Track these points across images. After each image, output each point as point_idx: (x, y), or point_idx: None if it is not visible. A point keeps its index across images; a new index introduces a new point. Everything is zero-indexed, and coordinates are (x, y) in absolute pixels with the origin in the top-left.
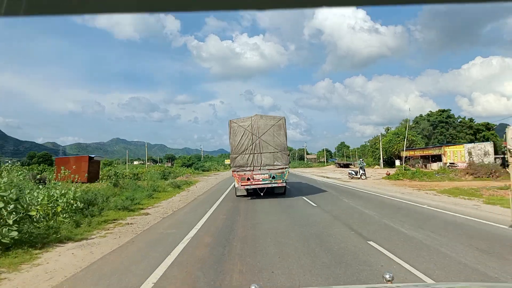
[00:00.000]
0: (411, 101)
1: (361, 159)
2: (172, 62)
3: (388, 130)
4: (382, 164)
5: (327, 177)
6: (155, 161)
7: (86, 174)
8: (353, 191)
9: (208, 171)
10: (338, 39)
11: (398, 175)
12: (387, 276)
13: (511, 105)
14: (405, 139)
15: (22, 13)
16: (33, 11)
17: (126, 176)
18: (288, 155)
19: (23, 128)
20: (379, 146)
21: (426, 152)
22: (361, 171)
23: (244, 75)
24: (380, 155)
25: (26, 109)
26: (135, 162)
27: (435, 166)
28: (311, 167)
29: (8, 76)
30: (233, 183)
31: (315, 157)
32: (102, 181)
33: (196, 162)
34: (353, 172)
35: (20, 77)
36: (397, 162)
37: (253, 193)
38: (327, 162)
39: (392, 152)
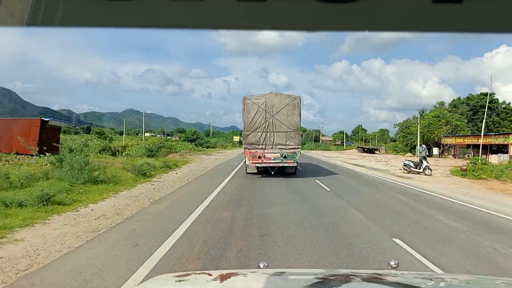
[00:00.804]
0: (429, 87)
1: (422, 146)
2: (189, 35)
3: (423, 112)
4: (417, 152)
5: (365, 167)
6: (166, 134)
7: (37, 145)
8: (460, 208)
9: (213, 147)
10: None
11: (474, 171)
12: (392, 263)
13: None
14: (447, 124)
15: (57, 24)
16: (67, 23)
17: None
18: (301, 135)
19: (39, 94)
20: (415, 130)
21: (484, 141)
22: (425, 163)
23: (260, 52)
24: (416, 141)
25: (43, 76)
26: (147, 134)
27: (495, 158)
28: (328, 150)
29: (26, 41)
30: (239, 166)
31: (331, 139)
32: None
33: (202, 137)
34: (412, 164)
35: (37, 43)
36: (435, 151)
37: (263, 171)
38: (345, 145)
39: (430, 138)
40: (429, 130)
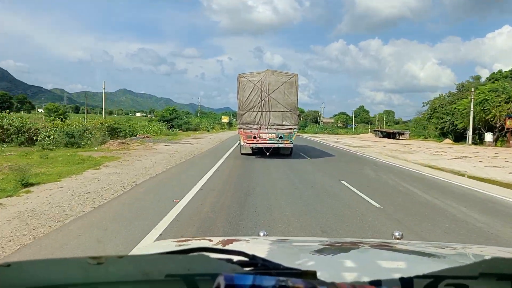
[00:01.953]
0: (427, 69)
1: None
2: (181, 13)
3: (462, 86)
4: (469, 138)
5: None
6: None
7: None
8: None
9: (194, 130)
10: None
11: None
12: (397, 234)
13: None
14: (508, 101)
15: None
16: None
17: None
18: (298, 115)
19: (33, 73)
20: (460, 108)
21: None
22: None
23: (255, 31)
24: (469, 123)
25: (36, 55)
26: (138, 114)
27: None
28: (336, 133)
29: (18, 19)
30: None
31: (332, 121)
32: None
33: (181, 117)
34: None
35: (30, 21)
36: (488, 137)
37: (258, 152)
38: (352, 127)
39: (485, 120)
40: (484, 109)
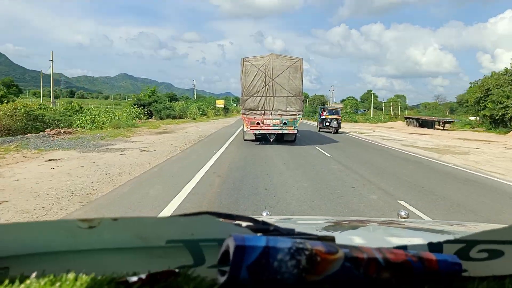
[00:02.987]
0: (429, 54)
1: None
2: None
3: None
4: None
5: None
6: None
7: None
8: None
9: (179, 118)
10: None
11: None
12: (403, 213)
13: None
14: None
15: None
16: None
17: None
18: (303, 100)
19: (31, 57)
20: None
21: None
22: None
23: (256, 15)
24: None
25: (35, 38)
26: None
27: None
28: (355, 121)
29: (17, 2)
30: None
31: (341, 106)
32: None
33: (162, 100)
34: None
35: (29, 4)
36: None
37: (262, 139)
38: (354, 113)
39: None
40: None
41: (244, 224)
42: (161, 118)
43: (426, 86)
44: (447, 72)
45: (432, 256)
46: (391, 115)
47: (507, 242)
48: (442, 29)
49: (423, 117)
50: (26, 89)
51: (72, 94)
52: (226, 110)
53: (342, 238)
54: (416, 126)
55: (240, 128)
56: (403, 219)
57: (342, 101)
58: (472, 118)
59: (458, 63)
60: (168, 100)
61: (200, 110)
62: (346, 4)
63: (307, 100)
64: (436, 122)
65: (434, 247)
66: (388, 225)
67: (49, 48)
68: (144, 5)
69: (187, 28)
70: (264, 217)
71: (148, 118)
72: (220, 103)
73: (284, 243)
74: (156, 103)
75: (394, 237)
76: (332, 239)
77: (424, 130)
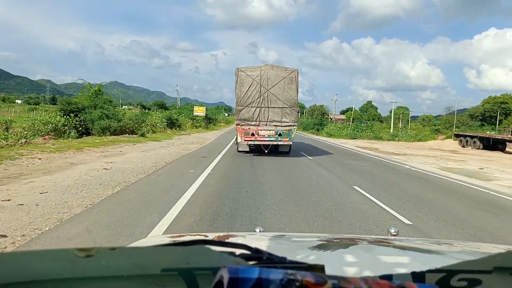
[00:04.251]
0: (418, 68)
1: None
2: (176, 6)
3: None
4: None
5: None
6: (144, 107)
7: None
8: None
9: (130, 133)
10: None
11: None
12: (392, 231)
13: None
14: None
15: None
16: None
17: None
18: (298, 111)
19: (21, 63)
20: None
21: None
22: None
23: (250, 26)
24: None
25: (24, 44)
26: (124, 107)
27: None
28: (379, 139)
29: (5, 7)
30: None
31: (343, 117)
32: None
33: (105, 107)
34: None
35: (19, 9)
36: None
37: (256, 150)
38: (360, 124)
39: None
40: None
41: (238, 251)
42: (95, 134)
43: (415, 99)
44: (435, 86)
45: (414, 286)
46: (399, 127)
47: (484, 271)
48: (430, 44)
49: (492, 135)
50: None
51: (54, 101)
52: (208, 120)
53: (334, 257)
54: (479, 148)
55: (218, 159)
56: (392, 237)
57: (342, 112)
58: None
59: (445, 78)
60: (157, 108)
61: (169, 121)
62: (338, 17)
63: (304, 110)
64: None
65: (417, 276)
66: (378, 244)
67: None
68: (137, 13)
69: (180, 37)
70: (258, 233)
71: (82, 134)
72: (199, 111)
73: (276, 274)
74: (91, 110)
75: (385, 256)
76: (322, 268)
77: (501, 155)
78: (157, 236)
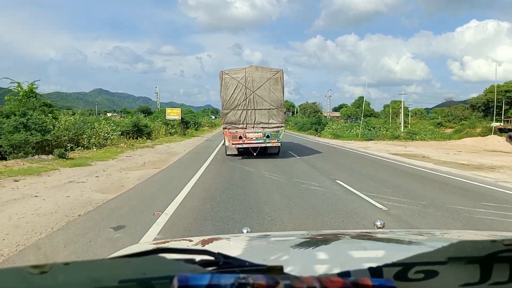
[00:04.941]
0: (402, 62)
1: None
2: (157, 9)
3: None
4: None
5: None
6: (128, 113)
7: None
8: None
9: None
10: None
11: None
12: (378, 223)
13: (501, 71)
14: None
15: None
16: None
17: None
18: (285, 112)
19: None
20: None
21: None
22: None
23: (234, 28)
24: None
25: (4, 53)
26: (108, 114)
27: None
28: (402, 138)
29: None
30: None
31: (337, 115)
32: None
33: (30, 114)
34: None
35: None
36: None
37: (244, 153)
38: (350, 120)
39: None
40: None
41: (198, 258)
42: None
43: (401, 94)
44: (420, 79)
45: (369, 281)
46: (397, 123)
47: (440, 262)
48: (413, 38)
49: None
50: None
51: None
52: (185, 125)
53: (308, 255)
54: None
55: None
56: (378, 230)
57: (335, 109)
58: None
59: (430, 71)
60: (140, 114)
61: (135, 128)
62: (321, 15)
63: (295, 109)
64: None
65: (375, 271)
66: (361, 238)
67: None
68: (118, 19)
69: (164, 41)
70: (243, 235)
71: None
72: (173, 114)
73: (227, 279)
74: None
75: (360, 250)
76: (280, 269)
77: None
78: (140, 244)
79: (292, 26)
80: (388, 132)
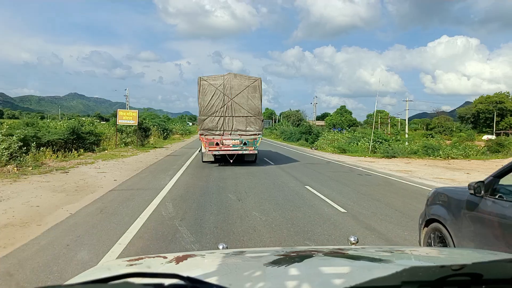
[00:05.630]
0: (377, 74)
1: None
2: (136, 15)
3: None
4: None
5: None
6: (102, 118)
7: None
8: None
9: None
10: (312, 5)
11: None
12: (352, 239)
13: (470, 85)
14: None
15: None
16: None
17: None
18: (262, 120)
19: None
20: None
21: None
22: None
23: (213, 36)
24: None
25: None
26: (83, 119)
27: None
28: (436, 156)
29: None
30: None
31: (322, 124)
32: None
33: None
34: None
35: None
36: None
37: (221, 160)
38: (329, 130)
39: None
40: None
41: (167, 282)
42: None
43: (376, 105)
44: (394, 91)
45: None
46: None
47: (394, 286)
48: (387, 52)
49: None
50: None
51: (0, 115)
52: (144, 133)
53: (279, 273)
54: None
55: None
56: (350, 246)
57: (318, 118)
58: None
59: (403, 83)
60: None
61: (73, 136)
62: (299, 27)
63: (277, 117)
64: None
65: None
66: (333, 255)
67: None
68: (97, 24)
69: (142, 47)
70: (219, 251)
71: None
72: (127, 117)
73: None
74: None
75: (329, 267)
76: None
77: None
78: (116, 260)
79: (272, 36)
80: (408, 147)
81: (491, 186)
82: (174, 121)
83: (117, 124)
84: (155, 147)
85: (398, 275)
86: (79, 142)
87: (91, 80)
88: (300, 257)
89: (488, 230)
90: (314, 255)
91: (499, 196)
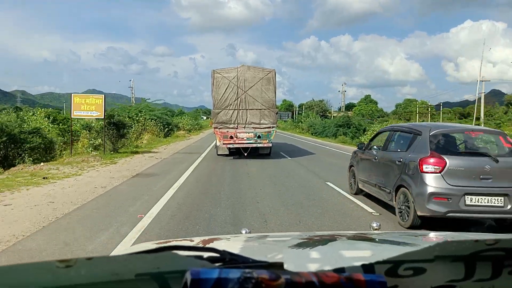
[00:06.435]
0: (396, 63)
1: None
2: (150, 10)
3: None
4: None
5: None
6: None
7: None
8: None
9: None
10: None
11: None
12: (374, 225)
13: (496, 72)
14: None
15: None
16: None
17: None
18: (276, 113)
19: None
20: None
21: None
22: None
23: (227, 28)
24: None
25: None
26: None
27: None
28: None
29: None
30: None
31: (350, 115)
32: None
33: None
34: None
35: None
36: None
37: (236, 153)
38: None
39: None
40: None
41: (206, 255)
42: None
43: (395, 95)
44: (415, 80)
45: (361, 276)
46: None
47: (427, 260)
48: (407, 39)
49: None
50: None
51: (19, 110)
52: (117, 131)
53: (303, 254)
54: None
55: None
56: (374, 231)
57: (340, 109)
58: None
59: (424, 72)
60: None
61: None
62: (314, 16)
63: (295, 109)
64: None
65: (367, 267)
66: (356, 239)
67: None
68: (112, 21)
69: (157, 42)
70: (242, 235)
71: None
72: (87, 108)
73: (234, 273)
74: None
75: (353, 250)
76: (281, 265)
77: None
78: (144, 243)
79: (286, 26)
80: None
81: (368, 145)
82: (189, 115)
83: (71, 118)
84: (137, 152)
85: (430, 249)
86: (18, 148)
87: (108, 76)
88: (322, 241)
89: (366, 165)
90: (337, 239)
91: (370, 149)
